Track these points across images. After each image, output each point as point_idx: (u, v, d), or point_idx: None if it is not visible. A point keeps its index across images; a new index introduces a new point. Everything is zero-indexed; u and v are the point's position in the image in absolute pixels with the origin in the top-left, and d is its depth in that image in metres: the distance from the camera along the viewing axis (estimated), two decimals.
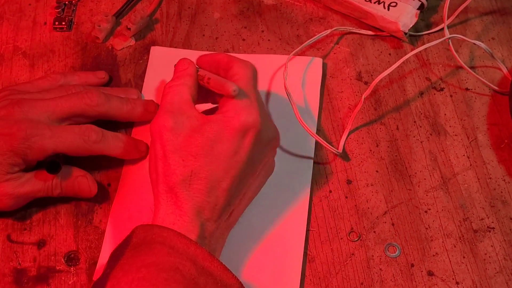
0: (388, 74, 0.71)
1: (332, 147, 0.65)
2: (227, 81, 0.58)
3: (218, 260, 0.53)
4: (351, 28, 0.74)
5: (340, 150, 0.66)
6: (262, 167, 0.60)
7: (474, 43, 0.70)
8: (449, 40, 0.70)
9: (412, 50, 0.73)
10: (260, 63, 0.70)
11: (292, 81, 0.70)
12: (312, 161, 0.65)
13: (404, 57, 0.68)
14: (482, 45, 0.70)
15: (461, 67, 0.71)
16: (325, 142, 0.65)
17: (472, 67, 0.71)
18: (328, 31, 0.73)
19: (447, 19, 0.73)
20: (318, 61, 0.71)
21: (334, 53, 0.73)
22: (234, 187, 0.57)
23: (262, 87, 0.69)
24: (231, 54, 0.66)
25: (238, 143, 0.57)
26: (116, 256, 0.53)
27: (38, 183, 0.61)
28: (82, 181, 0.62)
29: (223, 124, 0.57)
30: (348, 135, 0.67)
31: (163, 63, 0.72)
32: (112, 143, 0.63)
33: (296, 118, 0.65)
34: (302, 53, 0.73)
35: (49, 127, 0.60)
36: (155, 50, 0.73)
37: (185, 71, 0.61)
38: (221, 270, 0.52)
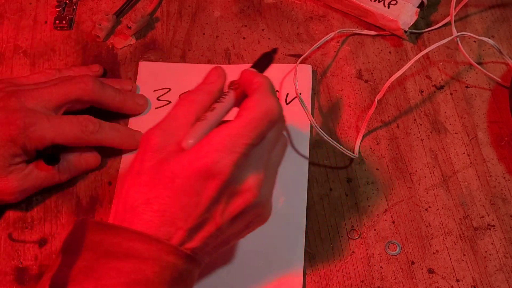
0: (388, 72, 0.71)
1: (348, 152, 0.64)
2: (199, 124, 0.52)
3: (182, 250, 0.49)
4: (353, 29, 0.74)
5: (356, 154, 0.65)
6: (237, 222, 0.52)
7: (482, 40, 0.70)
8: (458, 38, 0.70)
9: (412, 48, 0.73)
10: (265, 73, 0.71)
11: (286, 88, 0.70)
12: (307, 161, 0.65)
13: (414, 58, 0.67)
14: (490, 41, 0.70)
15: (461, 64, 0.71)
16: (342, 148, 0.64)
17: (478, 64, 0.71)
18: (332, 34, 0.73)
19: (446, 18, 0.73)
20: (308, 68, 0.71)
21: (335, 51, 0.73)
22: (194, 229, 0.50)
23: None
24: (240, 65, 0.64)
25: (197, 187, 0.49)
26: (70, 251, 0.49)
27: (41, 173, 0.61)
28: (86, 155, 0.64)
29: (189, 160, 0.50)
30: (362, 139, 0.67)
31: (152, 78, 0.71)
32: (109, 133, 0.63)
33: (312, 125, 0.65)
34: (303, 54, 0.73)
35: (47, 116, 0.60)
36: (143, 66, 0.72)
37: (207, 86, 0.54)
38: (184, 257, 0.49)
